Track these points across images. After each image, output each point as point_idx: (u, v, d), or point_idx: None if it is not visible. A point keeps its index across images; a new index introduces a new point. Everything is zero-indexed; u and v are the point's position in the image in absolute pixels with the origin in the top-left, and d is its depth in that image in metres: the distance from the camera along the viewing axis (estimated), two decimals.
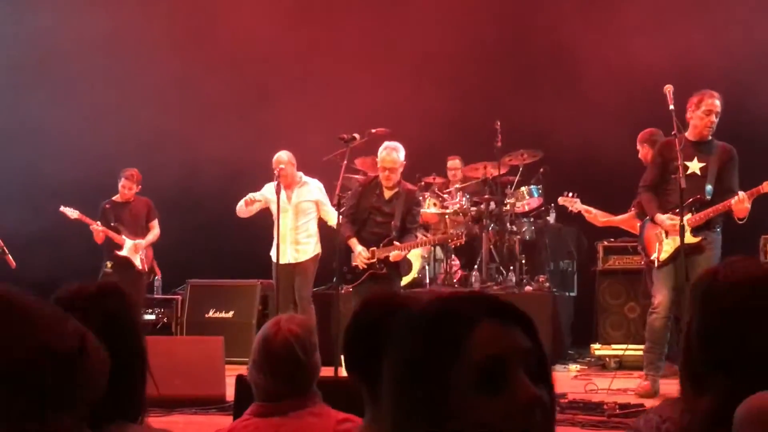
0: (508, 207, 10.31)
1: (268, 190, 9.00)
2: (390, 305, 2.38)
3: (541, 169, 10.39)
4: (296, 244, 8.96)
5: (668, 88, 6.89)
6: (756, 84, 9.64)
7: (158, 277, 10.60)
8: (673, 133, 6.83)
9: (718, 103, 6.94)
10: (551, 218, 10.65)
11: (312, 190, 9.06)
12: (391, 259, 7.97)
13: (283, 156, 8.93)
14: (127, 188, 10.17)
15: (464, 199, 10.29)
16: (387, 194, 8.12)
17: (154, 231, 10.38)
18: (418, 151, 10.06)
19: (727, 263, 2.05)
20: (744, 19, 10.20)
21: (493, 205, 10.35)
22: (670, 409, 1.93)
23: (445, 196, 10.42)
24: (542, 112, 10.59)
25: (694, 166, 6.99)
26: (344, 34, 11.42)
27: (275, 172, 8.76)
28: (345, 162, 7.95)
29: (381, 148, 8.09)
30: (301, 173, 8.97)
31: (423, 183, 10.69)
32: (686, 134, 7.08)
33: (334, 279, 8.54)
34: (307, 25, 11.67)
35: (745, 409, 1.69)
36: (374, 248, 7.98)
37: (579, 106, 10.37)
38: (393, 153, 8.00)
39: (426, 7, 11.35)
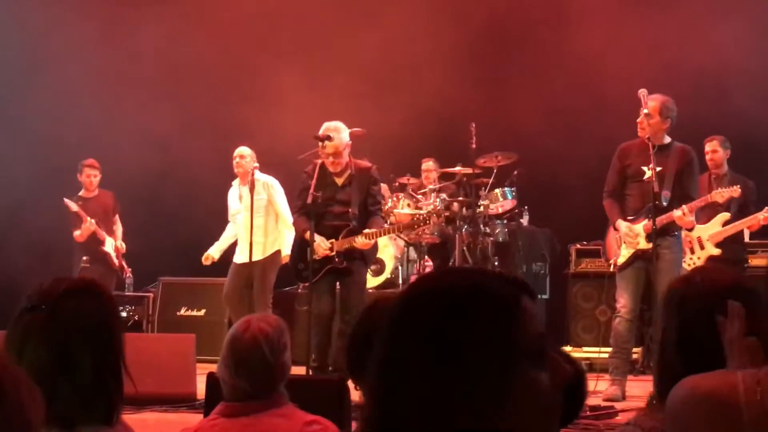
0: (481, 209, 10.32)
1: (230, 194, 9.12)
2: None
3: (515, 172, 10.41)
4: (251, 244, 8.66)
5: (642, 92, 6.94)
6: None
7: (128, 274, 10.49)
8: (647, 137, 6.88)
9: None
10: (524, 221, 10.68)
11: (263, 187, 8.76)
12: (358, 246, 7.29)
13: (244, 149, 8.93)
14: (93, 176, 9.99)
15: (438, 200, 10.28)
16: (339, 180, 7.47)
17: (119, 225, 10.30)
18: (392, 152, 10.09)
19: (697, 271, 2.10)
20: (720, 19, 10.27)
21: (465, 208, 10.38)
22: (649, 418, 1.94)
23: (419, 197, 10.42)
24: (517, 114, 10.62)
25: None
26: (317, 35, 11.42)
27: (234, 162, 8.85)
28: (320, 161, 7.50)
29: (320, 132, 7.37)
30: (257, 171, 8.58)
31: (397, 183, 10.70)
32: (643, 138, 7.14)
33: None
34: (279, 26, 11.63)
35: (678, 392, 1.70)
36: (333, 240, 7.35)
37: (554, 109, 10.42)
38: (333, 135, 7.29)
39: (400, 8, 11.36)
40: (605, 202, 7.31)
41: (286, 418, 2.86)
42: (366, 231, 7.34)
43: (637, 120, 7.01)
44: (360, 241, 7.29)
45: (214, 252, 9.31)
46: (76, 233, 9.86)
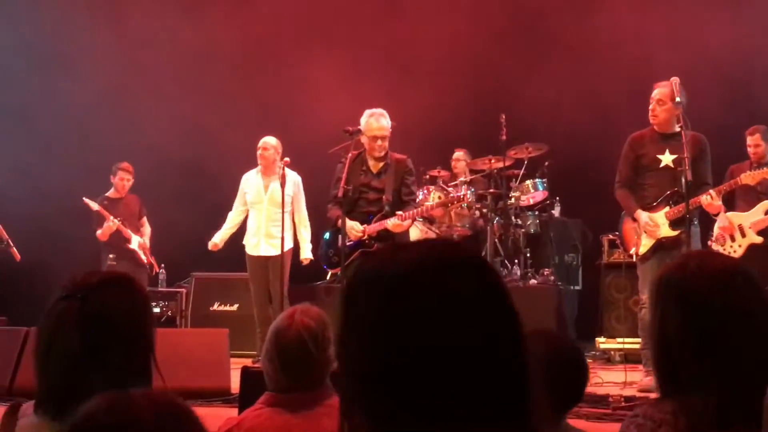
0: (512, 200, 10.29)
1: (244, 179, 9.06)
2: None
3: (546, 163, 10.37)
4: (269, 237, 8.71)
5: (674, 80, 6.86)
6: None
7: (157, 270, 10.49)
8: (679, 125, 6.79)
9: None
10: (556, 212, 10.64)
11: (289, 183, 8.66)
12: (390, 228, 7.30)
13: (270, 139, 8.89)
14: (126, 180, 10.03)
15: (469, 192, 10.24)
16: (375, 168, 7.55)
17: (147, 227, 10.34)
18: (423, 145, 10.06)
19: (690, 257, 2.05)
20: (748, 6, 10.17)
21: (497, 199, 10.34)
22: (658, 410, 1.90)
23: (450, 189, 10.39)
24: (547, 105, 10.57)
25: (667, 158, 6.94)
26: (349, 26, 11.41)
27: (258, 153, 8.82)
28: (350, 155, 7.45)
29: (366, 117, 7.49)
30: (284, 165, 8.43)
31: (428, 176, 10.67)
32: (654, 126, 7.08)
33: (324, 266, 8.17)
34: (313, 18, 11.66)
35: None
36: (366, 225, 7.40)
37: (584, 100, 10.34)
38: (382, 119, 7.45)
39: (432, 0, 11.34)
40: (618, 192, 7.22)
41: (332, 411, 2.85)
42: (399, 213, 7.33)
43: (650, 107, 6.97)
44: (392, 223, 7.31)
45: (219, 240, 9.21)
46: (98, 232, 9.85)
